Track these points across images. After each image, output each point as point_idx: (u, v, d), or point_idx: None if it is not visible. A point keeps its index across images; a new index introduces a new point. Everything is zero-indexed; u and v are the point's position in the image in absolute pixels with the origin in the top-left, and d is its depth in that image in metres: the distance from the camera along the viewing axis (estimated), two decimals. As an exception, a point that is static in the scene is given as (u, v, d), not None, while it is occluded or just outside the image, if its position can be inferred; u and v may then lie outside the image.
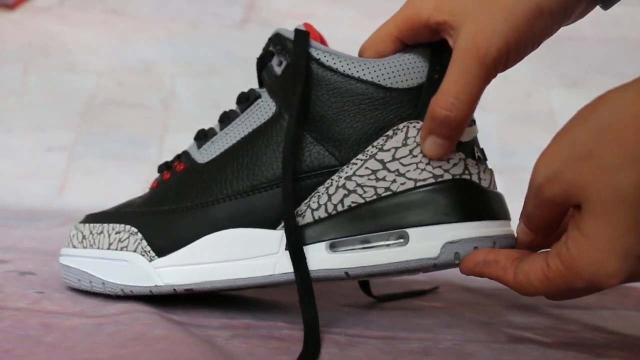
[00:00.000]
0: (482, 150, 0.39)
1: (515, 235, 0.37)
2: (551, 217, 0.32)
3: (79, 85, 1.19)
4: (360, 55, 0.39)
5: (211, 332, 0.35)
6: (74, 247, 0.42)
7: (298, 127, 0.37)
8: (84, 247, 0.41)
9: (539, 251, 0.34)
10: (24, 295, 0.40)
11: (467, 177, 0.37)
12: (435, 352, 0.34)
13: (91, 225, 0.42)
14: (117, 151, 1.11)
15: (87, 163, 1.15)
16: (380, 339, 0.36)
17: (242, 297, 0.45)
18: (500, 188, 0.40)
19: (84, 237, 0.42)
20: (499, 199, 0.39)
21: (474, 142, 0.39)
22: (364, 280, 0.49)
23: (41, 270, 0.48)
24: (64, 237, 0.68)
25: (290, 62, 0.38)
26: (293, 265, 0.35)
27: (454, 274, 0.63)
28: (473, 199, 0.37)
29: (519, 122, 1.08)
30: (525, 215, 0.33)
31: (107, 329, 0.33)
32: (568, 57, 1.09)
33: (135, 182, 1.13)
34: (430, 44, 0.38)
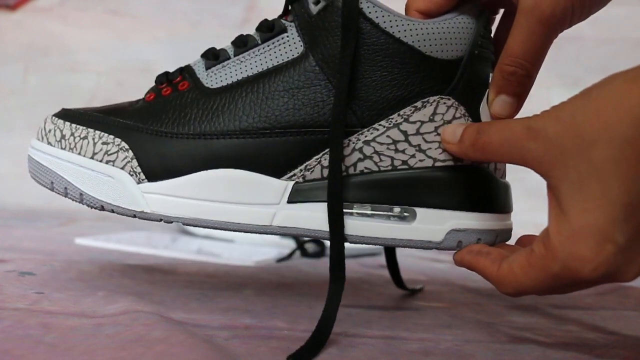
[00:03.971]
0: None
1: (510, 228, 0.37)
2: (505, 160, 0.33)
3: (79, 85, 1.19)
4: (409, 1, 0.38)
5: (211, 332, 0.35)
6: (50, 144, 0.38)
7: (349, 90, 0.35)
8: (62, 148, 0.38)
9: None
10: (24, 296, 0.40)
11: (485, 165, 0.37)
12: (435, 352, 0.34)
13: (73, 125, 0.38)
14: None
15: (87, 163, 1.15)
16: (380, 339, 0.36)
17: (242, 297, 0.45)
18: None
19: (62, 136, 0.38)
20: (506, 191, 0.39)
21: None
22: (396, 274, 0.49)
23: (41, 270, 0.48)
24: (64, 237, 0.69)
25: (338, 8, 0.36)
26: (330, 231, 0.34)
27: (454, 273, 0.63)
28: (486, 190, 0.37)
29: (519, 122, 1.07)
30: (477, 142, 0.34)
31: (106, 330, 0.33)
32: (568, 57, 1.09)
33: (136, 182, 1.13)
34: (477, 13, 0.37)
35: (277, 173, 0.36)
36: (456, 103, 0.36)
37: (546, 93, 1.10)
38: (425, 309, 0.45)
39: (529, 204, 0.70)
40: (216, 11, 1.23)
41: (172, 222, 0.37)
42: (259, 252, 0.67)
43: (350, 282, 0.54)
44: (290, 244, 0.72)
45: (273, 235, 0.74)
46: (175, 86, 0.39)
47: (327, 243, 0.69)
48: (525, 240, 0.37)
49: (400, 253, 0.77)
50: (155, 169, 0.36)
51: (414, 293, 0.50)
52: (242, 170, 0.36)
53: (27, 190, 1.08)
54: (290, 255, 0.64)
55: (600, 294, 0.54)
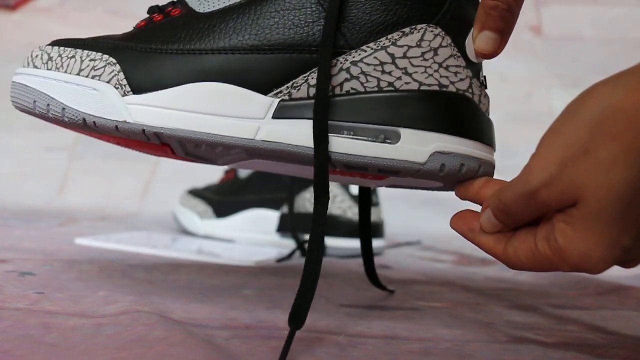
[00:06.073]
0: (484, 77, 0.39)
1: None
2: (534, 217, 0.32)
3: (79, 85, 1.19)
4: None
5: (211, 332, 0.35)
6: (36, 67, 0.39)
7: (339, 11, 0.36)
8: (48, 69, 0.38)
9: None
10: (24, 296, 0.40)
11: (470, 95, 0.37)
12: (435, 352, 0.34)
13: (61, 48, 0.39)
14: (117, 151, 1.11)
15: (87, 163, 1.15)
16: (380, 339, 0.36)
17: (242, 297, 0.45)
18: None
19: (50, 58, 0.38)
20: (490, 126, 0.39)
21: (481, 66, 0.39)
22: (373, 274, 0.48)
23: (41, 270, 0.48)
24: (64, 237, 0.69)
25: None
26: (315, 147, 0.35)
27: (454, 273, 0.63)
28: (471, 117, 0.37)
29: (519, 122, 1.07)
30: (501, 211, 0.33)
31: (106, 330, 0.33)
32: (568, 57, 1.09)
33: (135, 182, 1.13)
34: None
35: (264, 89, 0.36)
36: (443, 32, 0.37)
37: (546, 93, 1.10)
38: (425, 309, 0.45)
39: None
40: (216, 11, 1.23)
41: (153, 133, 0.36)
42: (259, 252, 0.67)
43: (350, 282, 0.54)
44: (290, 244, 0.72)
45: (273, 236, 0.74)
46: (167, 13, 0.39)
47: (327, 243, 0.69)
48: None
49: (400, 253, 0.77)
50: (142, 82, 0.37)
51: (387, 291, 0.50)
52: (229, 84, 0.36)
53: (27, 190, 1.08)
54: (290, 255, 0.65)
55: (600, 294, 0.54)
